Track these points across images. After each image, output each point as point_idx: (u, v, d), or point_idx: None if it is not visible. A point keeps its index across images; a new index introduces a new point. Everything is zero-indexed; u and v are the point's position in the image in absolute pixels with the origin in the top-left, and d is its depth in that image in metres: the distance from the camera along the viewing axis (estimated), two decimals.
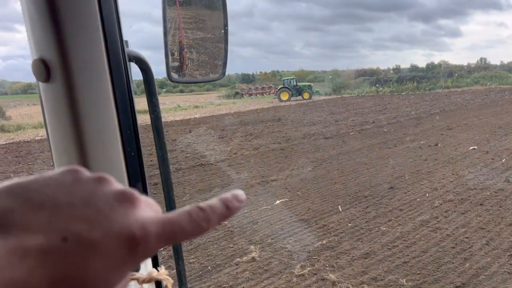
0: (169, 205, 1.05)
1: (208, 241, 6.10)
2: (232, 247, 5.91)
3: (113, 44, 0.80)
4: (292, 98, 30.50)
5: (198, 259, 5.63)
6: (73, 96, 0.75)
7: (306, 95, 30.37)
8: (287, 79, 31.98)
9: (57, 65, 0.73)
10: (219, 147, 13.03)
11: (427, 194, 7.55)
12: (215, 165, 10.71)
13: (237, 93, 35.58)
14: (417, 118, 17.59)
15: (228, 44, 1.34)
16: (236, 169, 10.29)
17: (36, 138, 17.11)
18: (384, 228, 6.18)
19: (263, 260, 5.48)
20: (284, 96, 30.57)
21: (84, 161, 0.78)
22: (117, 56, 0.82)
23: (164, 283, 0.68)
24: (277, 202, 7.57)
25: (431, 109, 19.92)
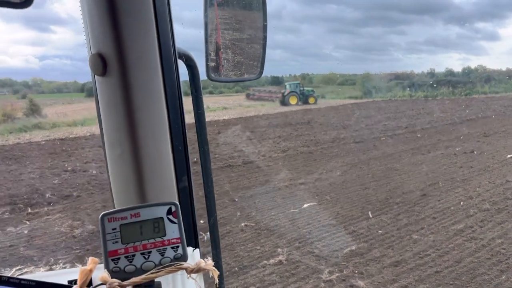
0: (209, 198, 1.06)
1: (236, 242, 6.10)
2: (259, 249, 5.89)
3: (165, 41, 0.82)
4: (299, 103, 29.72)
5: (225, 259, 5.63)
6: (127, 90, 0.77)
7: (312, 100, 29.65)
8: (292, 84, 31.29)
9: (113, 60, 0.75)
10: (248, 149, 13.05)
11: (461, 203, 7.29)
12: (243, 166, 10.72)
13: (248, 94, 34.45)
14: (452, 124, 17.05)
15: (266, 46, 1.32)
16: (264, 171, 10.26)
17: (70, 136, 17.65)
18: (416, 236, 6.01)
19: (290, 264, 5.43)
20: (293, 100, 29.91)
21: (135, 152, 0.79)
22: (169, 53, 0.84)
23: (210, 273, 0.70)
24: (305, 205, 7.49)
25: (467, 115, 19.27)
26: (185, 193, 0.93)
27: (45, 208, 7.93)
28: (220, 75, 1.26)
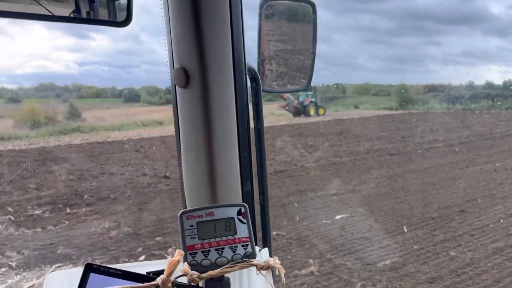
0: (264, 203, 1.12)
1: None
2: (290, 259, 5.88)
3: (238, 56, 0.90)
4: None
5: None
6: (205, 101, 0.85)
7: (321, 111, 28.93)
8: (305, 95, 30.48)
9: (195, 73, 0.83)
10: (279, 158, 13.06)
11: (501, 220, 7.03)
12: (274, 175, 10.74)
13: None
14: (492, 138, 16.47)
15: (315, 57, 1.36)
16: (295, 180, 10.24)
17: (108, 140, 18.20)
18: (453, 253, 5.84)
19: (321, 275, 5.39)
20: (312, 111, 29.22)
21: (209, 157, 0.88)
22: (240, 67, 0.92)
23: (277, 271, 0.76)
24: (338, 217, 7.42)
25: (508, 130, 18.57)
26: (248, 196, 1.00)
27: (83, 209, 8.21)
28: (271, 86, 1.31)
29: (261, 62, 1.29)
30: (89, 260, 6.11)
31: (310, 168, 11.66)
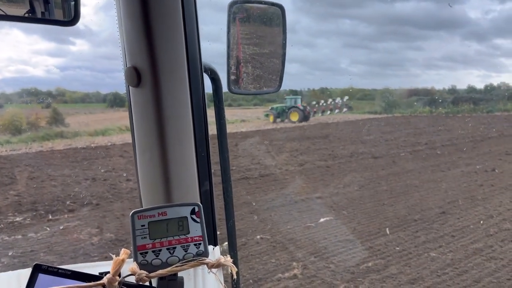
0: (228, 202, 1.13)
1: (251, 254, 6.11)
2: (274, 262, 5.88)
3: (193, 56, 0.90)
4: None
5: (240, 271, 5.63)
6: (158, 100, 0.85)
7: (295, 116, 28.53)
8: (292, 98, 29.91)
9: (147, 73, 0.83)
10: (265, 162, 13.08)
11: (481, 221, 7.15)
12: (260, 179, 10.75)
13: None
14: (473, 141, 16.76)
15: (285, 60, 1.38)
16: (280, 184, 10.26)
17: (92, 145, 17.99)
18: (434, 254, 5.91)
19: (305, 278, 5.40)
20: (294, 117, 28.71)
21: (163, 157, 0.87)
22: (196, 67, 0.92)
23: (229, 269, 0.76)
24: (322, 220, 7.46)
25: (489, 133, 18.90)
26: (206, 195, 1.00)
27: (65, 215, 8.09)
28: (240, 88, 1.32)
29: (236, 65, 1.30)
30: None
31: (295, 172, 11.70)
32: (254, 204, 8.63)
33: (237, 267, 1.15)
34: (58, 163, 13.40)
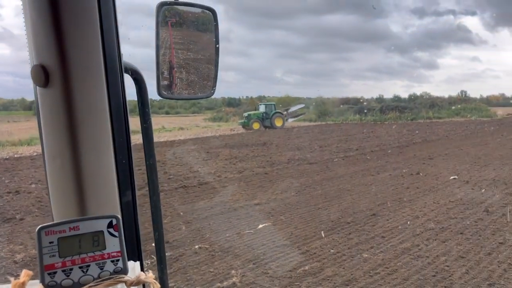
0: (155, 212, 1.06)
1: (189, 265, 5.97)
2: (213, 271, 5.80)
3: (110, 54, 0.83)
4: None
5: (177, 283, 5.49)
6: (70, 102, 0.77)
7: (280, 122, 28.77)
8: (268, 105, 29.11)
9: (56, 71, 0.75)
10: (203, 169, 12.94)
11: (408, 222, 7.59)
12: (198, 187, 10.61)
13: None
14: (399, 147, 17.84)
15: (219, 66, 1.36)
16: (219, 192, 10.20)
17: (15, 156, 16.73)
18: (366, 255, 6.16)
19: (244, 286, 5.38)
20: (279, 122, 28.80)
21: (76, 165, 0.79)
22: (114, 66, 0.85)
23: (151, 286, 0.70)
24: (260, 226, 7.50)
25: (413, 139, 20.25)
26: (128, 207, 0.93)
27: None
28: (173, 93, 1.27)
29: (169, 70, 1.25)
30: None
31: (234, 179, 11.70)
32: (192, 213, 8.48)
33: (164, 282, 1.08)
34: None
